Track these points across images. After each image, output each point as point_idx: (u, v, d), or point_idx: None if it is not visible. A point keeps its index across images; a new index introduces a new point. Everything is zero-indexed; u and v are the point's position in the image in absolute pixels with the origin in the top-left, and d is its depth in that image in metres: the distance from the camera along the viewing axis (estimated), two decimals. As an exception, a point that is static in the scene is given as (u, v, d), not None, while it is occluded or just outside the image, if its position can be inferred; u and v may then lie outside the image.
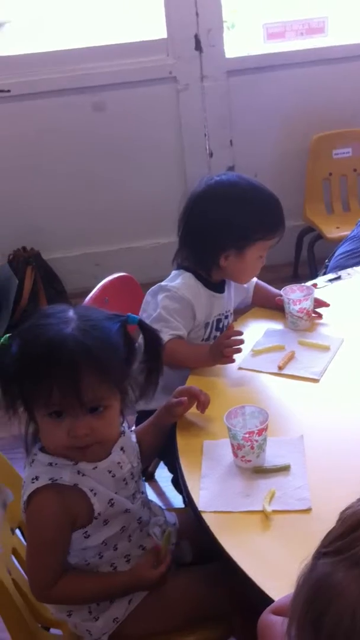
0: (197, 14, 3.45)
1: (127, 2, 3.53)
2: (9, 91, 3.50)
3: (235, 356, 1.73)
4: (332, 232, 3.45)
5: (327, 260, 2.73)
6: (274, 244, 1.88)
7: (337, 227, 3.48)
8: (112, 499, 1.35)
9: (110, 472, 1.37)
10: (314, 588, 0.73)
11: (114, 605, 1.40)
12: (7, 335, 1.31)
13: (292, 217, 3.70)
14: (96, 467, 1.34)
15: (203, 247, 1.85)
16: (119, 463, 1.39)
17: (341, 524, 0.76)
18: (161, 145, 3.70)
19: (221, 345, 1.71)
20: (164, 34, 3.53)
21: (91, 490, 1.32)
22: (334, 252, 2.70)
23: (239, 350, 1.71)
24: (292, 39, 3.65)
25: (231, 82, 3.61)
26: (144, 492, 1.49)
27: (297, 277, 3.76)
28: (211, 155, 3.74)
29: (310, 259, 3.61)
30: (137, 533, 1.43)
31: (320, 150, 3.66)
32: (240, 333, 1.74)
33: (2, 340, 1.30)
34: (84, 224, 3.80)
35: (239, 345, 1.71)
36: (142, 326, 1.38)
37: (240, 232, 1.81)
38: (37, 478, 1.30)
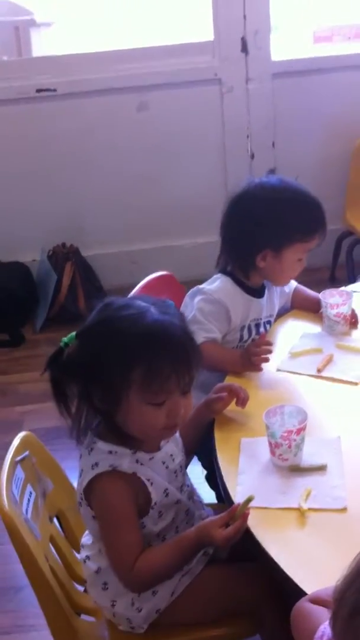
0: (244, 16, 3.47)
1: (175, 4, 3.56)
2: (55, 90, 3.56)
3: (274, 357, 1.76)
4: (372, 236, 3.44)
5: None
6: (313, 246, 1.89)
7: (378, 232, 3.47)
8: (166, 489, 1.39)
9: (164, 463, 1.41)
10: None
11: (157, 596, 1.42)
12: (74, 333, 1.35)
13: (332, 220, 3.65)
14: (152, 458, 1.39)
15: (241, 247, 1.88)
16: (171, 455, 1.43)
17: None
18: (203, 145, 3.73)
19: (250, 353, 1.74)
20: (210, 35, 3.56)
21: (148, 480, 1.36)
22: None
23: (266, 360, 1.74)
24: (339, 42, 3.65)
25: (276, 84, 3.62)
26: (189, 485, 1.52)
27: (334, 280, 3.75)
28: (252, 156, 3.76)
29: (349, 263, 3.61)
30: (184, 525, 1.46)
31: (364, 155, 3.65)
32: (270, 343, 1.77)
33: (67, 340, 1.35)
34: (124, 221, 3.84)
35: (267, 354, 1.74)
36: None
37: (279, 231, 1.84)
38: (97, 464, 1.34)
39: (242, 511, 1.30)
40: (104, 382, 1.31)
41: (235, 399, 1.60)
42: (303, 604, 1.00)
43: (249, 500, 1.31)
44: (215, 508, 1.62)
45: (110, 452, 1.35)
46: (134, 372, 1.28)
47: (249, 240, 1.86)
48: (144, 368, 1.28)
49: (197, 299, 1.87)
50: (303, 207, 1.86)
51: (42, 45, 3.62)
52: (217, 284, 1.90)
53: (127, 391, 1.29)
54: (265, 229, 1.83)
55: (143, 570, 1.33)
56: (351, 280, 3.41)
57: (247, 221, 1.86)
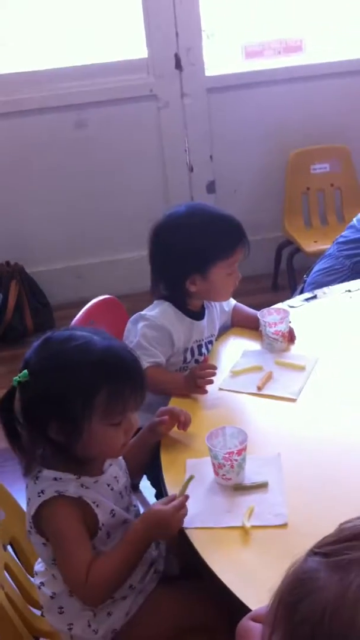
0: (177, 34, 3.54)
1: (109, 23, 3.60)
2: (-7, 109, 3.58)
3: (216, 377, 1.82)
4: (310, 245, 3.54)
5: (305, 275, 2.81)
6: (238, 260, 1.93)
7: (315, 242, 3.56)
8: (112, 510, 1.44)
9: (109, 485, 1.47)
10: (298, 576, 0.80)
11: (113, 617, 1.47)
12: (25, 371, 1.38)
13: (272, 229, 3.81)
14: (97, 481, 1.44)
15: (170, 277, 1.94)
16: (115, 477, 1.49)
17: (338, 532, 0.82)
18: (142, 160, 3.79)
19: (194, 376, 1.80)
20: (144, 53, 3.61)
21: (94, 502, 1.41)
22: (312, 268, 2.79)
23: (211, 382, 1.80)
24: (270, 57, 3.75)
25: (211, 99, 3.71)
26: (135, 506, 1.58)
27: (277, 287, 3.85)
28: (192, 169, 3.83)
29: (290, 271, 3.69)
30: None
31: (298, 166, 3.75)
32: (214, 367, 1.82)
33: (21, 377, 1.37)
34: (67, 237, 3.88)
35: (210, 377, 1.80)
36: None
37: (198, 256, 1.89)
38: (43, 492, 1.38)
39: (185, 490, 1.41)
40: (64, 415, 1.35)
41: (177, 422, 1.66)
42: (245, 621, 1.03)
43: (191, 478, 1.43)
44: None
45: (55, 478, 1.40)
46: (96, 399, 1.34)
47: (173, 270, 1.91)
48: (106, 393, 1.34)
49: (140, 324, 1.92)
50: (214, 227, 1.90)
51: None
52: (158, 309, 1.95)
53: (89, 418, 1.34)
54: (185, 257, 1.88)
55: (97, 579, 1.36)
56: (292, 287, 3.51)
57: (166, 254, 1.91)
